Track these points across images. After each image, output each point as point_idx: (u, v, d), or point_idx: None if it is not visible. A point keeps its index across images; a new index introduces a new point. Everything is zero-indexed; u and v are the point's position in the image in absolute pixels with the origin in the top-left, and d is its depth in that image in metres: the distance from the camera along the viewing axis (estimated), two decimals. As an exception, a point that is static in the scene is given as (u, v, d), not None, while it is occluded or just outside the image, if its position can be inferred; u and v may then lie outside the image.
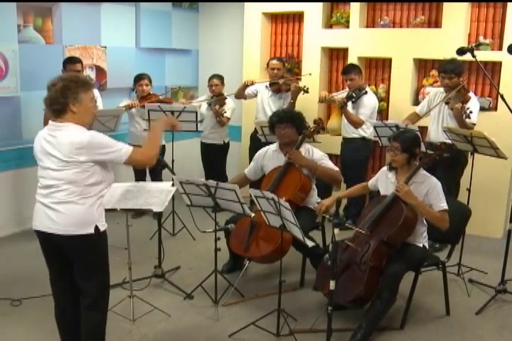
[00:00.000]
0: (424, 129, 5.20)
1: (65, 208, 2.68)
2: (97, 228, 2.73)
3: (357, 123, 5.12)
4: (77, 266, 2.80)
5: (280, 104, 5.48)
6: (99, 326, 2.90)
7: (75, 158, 2.64)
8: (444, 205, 3.46)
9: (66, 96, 2.67)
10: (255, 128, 5.50)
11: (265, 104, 5.61)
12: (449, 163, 4.50)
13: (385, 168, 3.75)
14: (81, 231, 2.69)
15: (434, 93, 4.93)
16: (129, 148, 2.74)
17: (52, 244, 2.77)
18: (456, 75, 4.62)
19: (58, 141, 2.67)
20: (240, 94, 5.69)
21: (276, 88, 5.51)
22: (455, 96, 4.56)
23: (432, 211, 3.43)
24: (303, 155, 4.10)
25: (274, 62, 5.55)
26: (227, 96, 5.78)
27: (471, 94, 4.72)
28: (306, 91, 5.23)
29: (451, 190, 4.62)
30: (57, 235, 2.70)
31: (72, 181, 2.66)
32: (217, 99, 5.73)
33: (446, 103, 4.65)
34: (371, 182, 3.84)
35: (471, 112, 4.37)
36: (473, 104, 4.60)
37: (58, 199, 2.68)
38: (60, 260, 2.84)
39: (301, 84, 5.42)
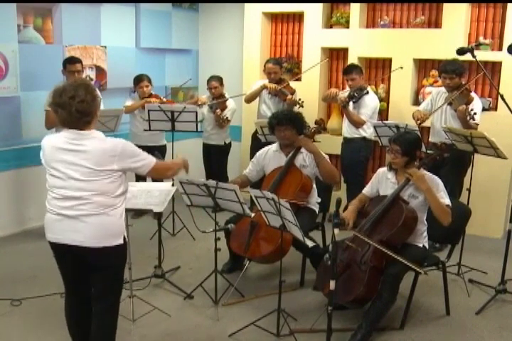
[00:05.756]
0: (424, 129, 5.21)
1: (96, 220, 2.62)
2: (124, 238, 2.75)
3: (358, 123, 5.11)
4: (101, 274, 2.77)
5: (280, 106, 5.43)
6: (113, 329, 2.89)
7: (108, 166, 2.60)
8: (447, 201, 3.46)
9: (95, 106, 2.67)
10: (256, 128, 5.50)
11: (265, 105, 5.59)
12: (452, 163, 4.51)
13: (381, 170, 3.75)
14: (113, 242, 2.68)
15: (437, 92, 4.93)
16: (152, 159, 2.80)
17: (75, 256, 2.72)
18: (457, 75, 4.62)
19: (87, 150, 2.59)
20: (254, 98, 5.61)
21: (274, 92, 5.45)
22: (458, 98, 4.56)
23: (439, 201, 3.42)
24: (312, 142, 4.11)
25: (270, 65, 5.46)
26: (231, 97, 5.76)
27: (473, 94, 4.72)
28: (301, 106, 5.19)
29: (453, 190, 4.61)
30: (85, 248, 2.64)
31: (104, 192, 2.62)
32: (219, 102, 5.71)
33: (450, 104, 4.66)
34: (369, 190, 3.79)
35: (475, 114, 4.40)
36: (476, 104, 4.61)
37: (88, 212, 2.61)
38: (79, 271, 2.80)
39: (299, 87, 5.40)
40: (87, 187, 2.60)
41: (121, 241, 2.72)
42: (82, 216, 2.62)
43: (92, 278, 2.80)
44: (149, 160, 2.78)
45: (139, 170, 2.78)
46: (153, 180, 5.51)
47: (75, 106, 2.56)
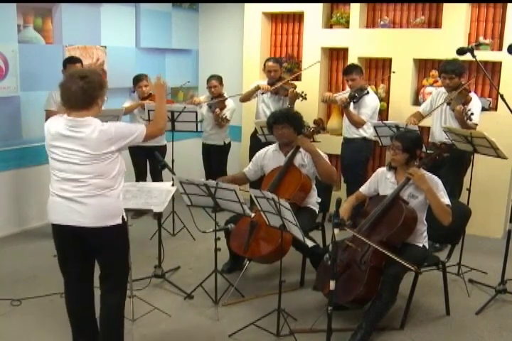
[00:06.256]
0: (424, 129, 5.21)
1: (94, 201, 2.70)
2: (122, 217, 2.82)
3: (358, 123, 5.12)
4: (104, 254, 2.85)
5: (279, 105, 5.44)
6: (121, 308, 2.95)
7: (106, 149, 2.68)
8: (447, 201, 3.46)
9: (99, 93, 2.74)
10: (255, 128, 5.50)
11: (264, 104, 5.60)
12: (452, 162, 4.51)
13: (380, 170, 3.76)
14: (111, 222, 2.75)
15: (437, 92, 4.93)
16: (143, 130, 2.85)
17: (75, 237, 2.79)
18: (457, 76, 4.62)
19: (85, 137, 2.66)
20: (248, 98, 5.63)
21: (274, 90, 5.48)
22: (456, 98, 4.56)
23: (440, 200, 3.41)
24: (310, 141, 4.14)
25: (271, 64, 5.49)
26: (229, 97, 5.76)
27: (472, 94, 4.72)
28: (305, 98, 5.20)
29: (453, 190, 4.61)
30: (85, 228, 2.72)
31: (101, 174, 2.70)
32: (218, 101, 5.71)
33: (448, 104, 4.66)
34: (366, 189, 3.80)
35: (472, 114, 4.40)
36: (475, 104, 4.61)
37: (86, 193, 2.70)
38: (79, 253, 2.86)
39: (299, 87, 5.40)
40: (85, 170, 2.69)
41: (119, 221, 2.79)
42: (81, 197, 2.70)
43: (97, 260, 2.89)
44: (141, 130, 2.84)
45: (135, 142, 2.84)
46: (153, 180, 5.54)
47: (82, 84, 2.65)
